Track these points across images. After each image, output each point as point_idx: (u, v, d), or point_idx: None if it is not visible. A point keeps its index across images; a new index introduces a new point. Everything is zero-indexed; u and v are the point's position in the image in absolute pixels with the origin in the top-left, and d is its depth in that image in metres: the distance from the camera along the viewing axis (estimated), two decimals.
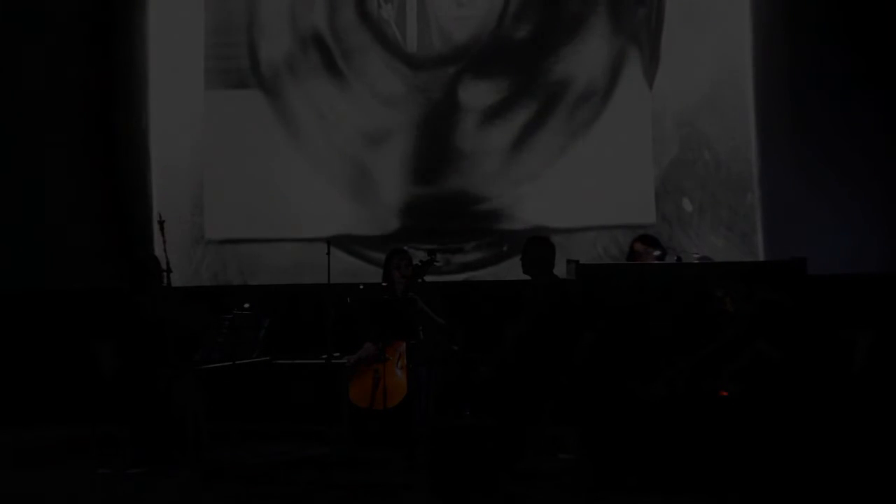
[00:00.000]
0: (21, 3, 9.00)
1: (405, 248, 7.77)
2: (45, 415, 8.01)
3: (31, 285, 8.72)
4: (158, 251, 6.87)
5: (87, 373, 6.62)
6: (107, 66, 8.93)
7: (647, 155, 8.67)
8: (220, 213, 8.93)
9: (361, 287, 7.58)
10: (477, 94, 8.84)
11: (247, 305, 7.49)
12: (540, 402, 6.45)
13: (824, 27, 8.43)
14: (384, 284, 7.39)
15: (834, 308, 6.45)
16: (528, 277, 7.12)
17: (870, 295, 7.72)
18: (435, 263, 6.98)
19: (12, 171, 8.89)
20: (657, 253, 7.43)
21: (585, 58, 8.75)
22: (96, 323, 6.92)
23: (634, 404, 5.90)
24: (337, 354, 7.51)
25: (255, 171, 8.91)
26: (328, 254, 7.41)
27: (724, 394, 5.74)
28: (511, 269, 8.55)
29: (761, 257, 8.51)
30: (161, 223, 6.71)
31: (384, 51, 8.90)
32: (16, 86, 8.92)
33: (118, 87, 8.96)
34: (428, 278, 7.24)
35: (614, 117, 8.72)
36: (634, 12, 8.73)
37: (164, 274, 6.67)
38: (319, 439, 7.12)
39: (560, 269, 7.59)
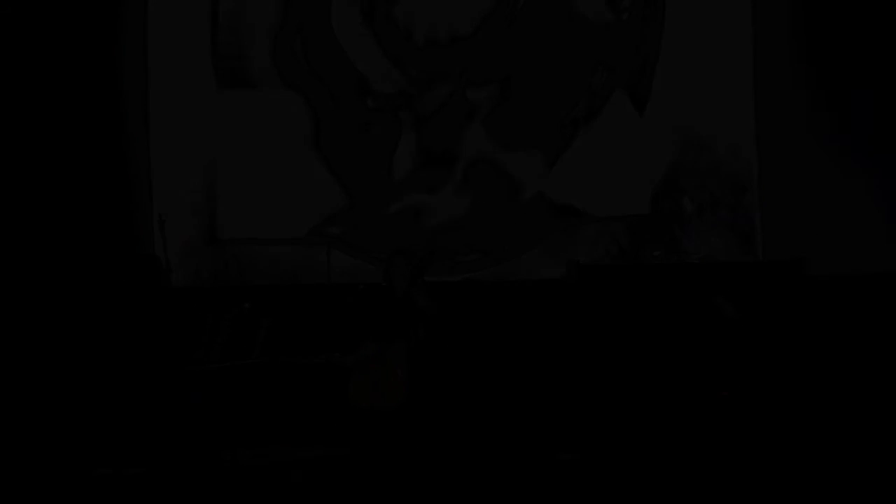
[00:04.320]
0: (21, 1, 8.98)
1: (405, 248, 7.77)
2: (44, 414, 7.99)
3: (33, 284, 8.70)
4: (158, 251, 6.86)
5: (86, 372, 6.62)
6: (108, 65, 8.92)
7: (643, 148, 8.70)
8: (222, 213, 8.91)
9: (361, 287, 7.58)
10: (481, 91, 8.84)
11: (247, 305, 7.50)
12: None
13: (824, 26, 8.44)
14: (384, 284, 7.38)
15: (834, 308, 6.46)
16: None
17: (870, 295, 7.73)
18: (435, 263, 6.98)
19: (10, 171, 8.89)
20: (657, 253, 7.45)
21: (587, 54, 8.76)
22: (97, 322, 6.92)
23: (633, 404, 5.92)
24: (337, 354, 7.52)
25: (256, 171, 8.89)
26: (328, 254, 7.41)
27: (725, 394, 5.75)
28: (511, 269, 8.58)
29: (761, 257, 8.51)
30: (161, 223, 6.70)
31: (390, 48, 8.88)
32: (15, 83, 8.91)
33: (119, 85, 8.95)
34: (428, 278, 7.25)
35: (614, 113, 8.74)
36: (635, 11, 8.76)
37: (165, 274, 6.66)
38: (319, 439, 7.12)
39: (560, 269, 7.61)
